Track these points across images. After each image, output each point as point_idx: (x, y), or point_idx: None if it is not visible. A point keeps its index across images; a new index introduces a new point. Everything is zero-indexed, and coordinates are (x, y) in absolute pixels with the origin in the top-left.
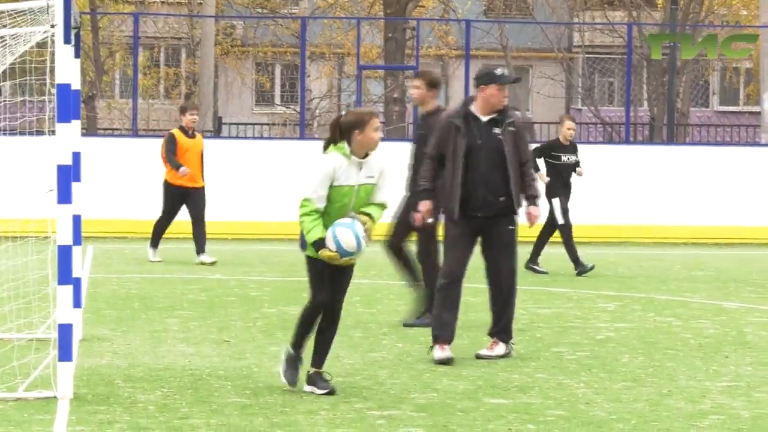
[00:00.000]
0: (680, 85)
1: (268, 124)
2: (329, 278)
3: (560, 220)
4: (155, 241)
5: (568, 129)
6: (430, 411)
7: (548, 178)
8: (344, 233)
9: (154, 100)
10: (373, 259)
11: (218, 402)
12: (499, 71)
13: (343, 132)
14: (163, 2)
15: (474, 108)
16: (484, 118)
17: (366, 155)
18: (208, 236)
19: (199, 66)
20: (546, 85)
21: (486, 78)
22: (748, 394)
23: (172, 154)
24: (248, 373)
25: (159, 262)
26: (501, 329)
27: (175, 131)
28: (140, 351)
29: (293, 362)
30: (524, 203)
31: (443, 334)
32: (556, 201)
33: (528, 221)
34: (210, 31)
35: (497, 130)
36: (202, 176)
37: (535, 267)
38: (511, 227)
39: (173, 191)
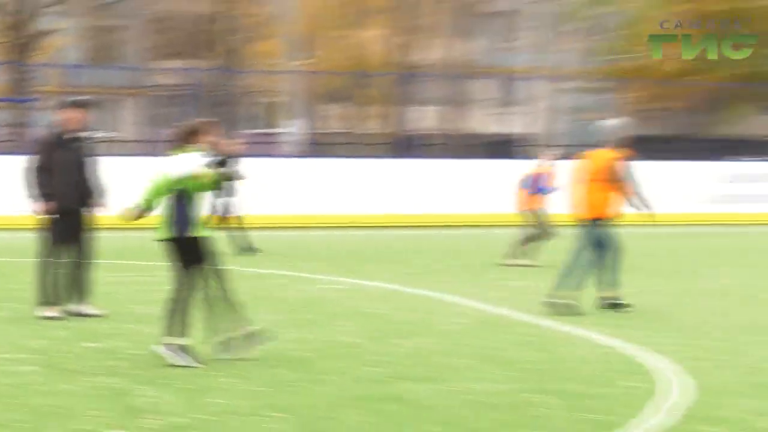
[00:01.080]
0: (232, 113)
1: None
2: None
3: (224, 213)
4: None
5: (228, 145)
6: (42, 354)
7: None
8: None
9: None
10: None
11: None
12: (78, 98)
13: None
14: None
15: (61, 128)
16: (71, 135)
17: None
18: None
19: None
20: (133, 115)
21: (69, 103)
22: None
23: None
24: None
25: None
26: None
27: None
28: None
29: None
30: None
31: (56, 301)
32: (221, 200)
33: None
34: None
35: (79, 144)
36: None
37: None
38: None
39: None
